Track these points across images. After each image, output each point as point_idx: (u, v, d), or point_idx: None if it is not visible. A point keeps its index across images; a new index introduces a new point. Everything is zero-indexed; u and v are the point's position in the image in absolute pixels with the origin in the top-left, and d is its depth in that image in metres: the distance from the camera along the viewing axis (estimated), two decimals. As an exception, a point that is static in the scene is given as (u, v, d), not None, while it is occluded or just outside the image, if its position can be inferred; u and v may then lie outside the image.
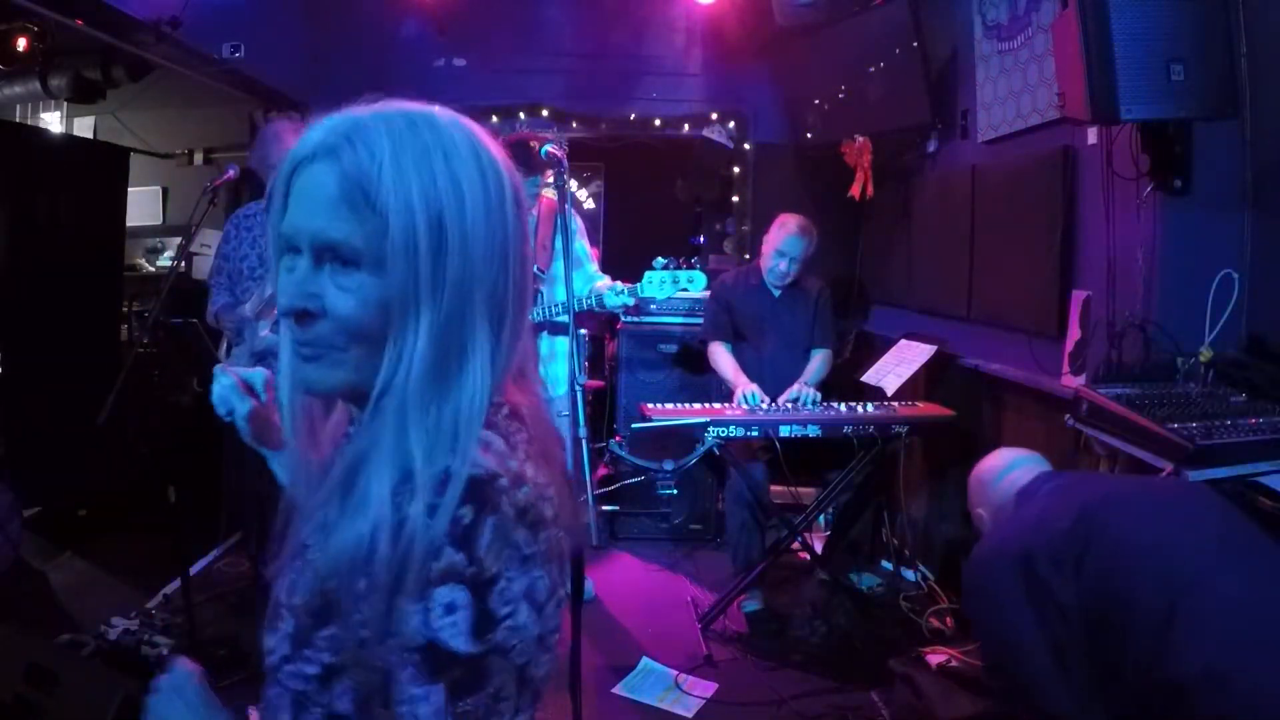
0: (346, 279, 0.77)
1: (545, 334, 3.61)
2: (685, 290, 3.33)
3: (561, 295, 3.56)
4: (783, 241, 3.71)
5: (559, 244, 3.58)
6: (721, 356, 3.81)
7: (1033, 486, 1.87)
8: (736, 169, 5.12)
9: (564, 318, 3.50)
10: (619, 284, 3.40)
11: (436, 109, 0.83)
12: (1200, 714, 1.40)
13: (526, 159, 3.44)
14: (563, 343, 3.64)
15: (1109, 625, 1.54)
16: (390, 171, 0.76)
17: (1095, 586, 1.55)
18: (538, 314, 3.55)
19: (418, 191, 0.76)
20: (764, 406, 3.49)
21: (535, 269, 3.58)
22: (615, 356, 4.74)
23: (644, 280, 3.36)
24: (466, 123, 0.83)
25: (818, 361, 3.78)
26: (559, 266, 3.58)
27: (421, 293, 0.76)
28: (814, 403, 3.53)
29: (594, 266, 3.76)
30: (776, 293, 3.87)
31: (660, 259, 3.42)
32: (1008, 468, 2.00)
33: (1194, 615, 1.45)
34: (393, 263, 0.76)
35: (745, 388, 3.58)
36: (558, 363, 3.64)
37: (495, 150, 0.83)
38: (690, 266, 3.34)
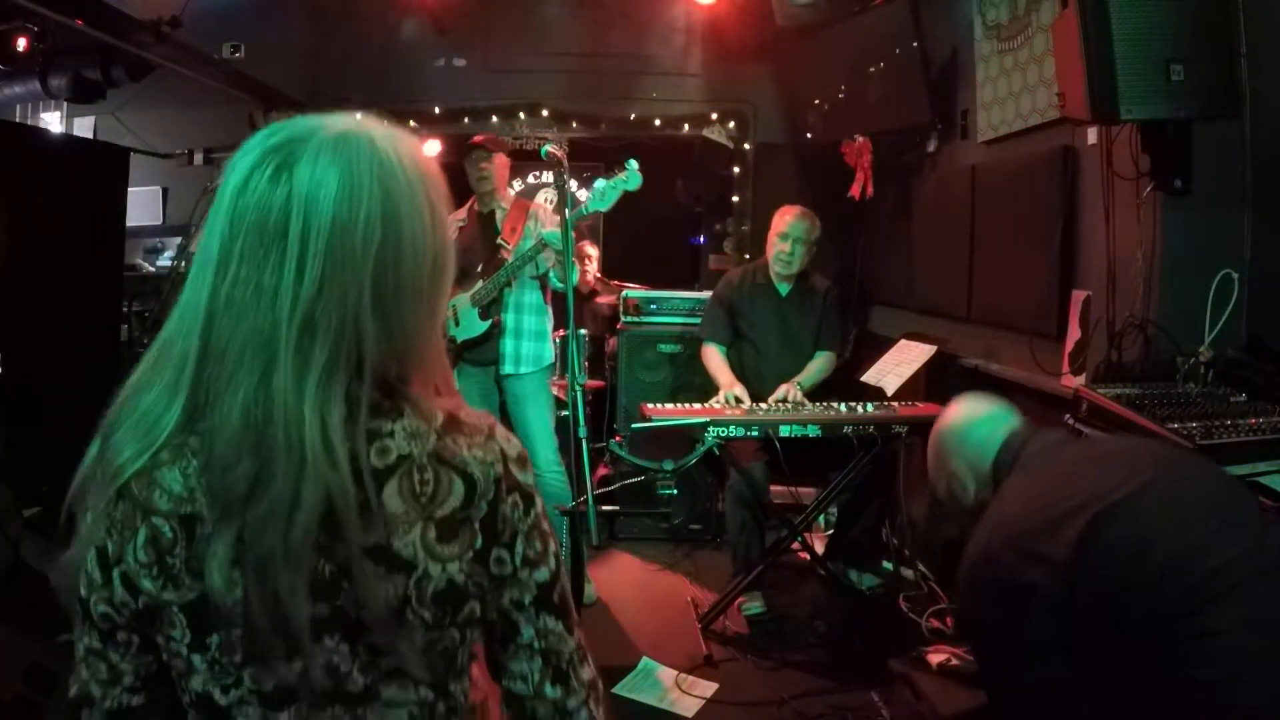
0: None
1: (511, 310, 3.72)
2: (625, 188, 3.30)
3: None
4: (784, 225, 3.77)
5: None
6: (714, 358, 3.82)
7: (1013, 444, 1.76)
8: (736, 169, 5.12)
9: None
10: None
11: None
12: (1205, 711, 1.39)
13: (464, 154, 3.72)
14: (528, 320, 3.73)
15: (1115, 625, 1.47)
16: None
17: (1100, 591, 1.47)
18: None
19: None
20: (745, 407, 3.49)
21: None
22: (615, 356, 4.74)
23: (590, 198, 3.37)
24: None
25: (819, 363, 3.79)
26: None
27: None
28: (796, 406, 3.53)
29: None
30: (783, 292, 3.87)
31: (600, 180, 3.43)
32: (978, 422, 1.87)
33: (1219, 626, 1.39)
34: None
35: (728, 388, 3.60)
36: (521, 340, 3.72)
37: None
38: (622, 169, 3.32)
